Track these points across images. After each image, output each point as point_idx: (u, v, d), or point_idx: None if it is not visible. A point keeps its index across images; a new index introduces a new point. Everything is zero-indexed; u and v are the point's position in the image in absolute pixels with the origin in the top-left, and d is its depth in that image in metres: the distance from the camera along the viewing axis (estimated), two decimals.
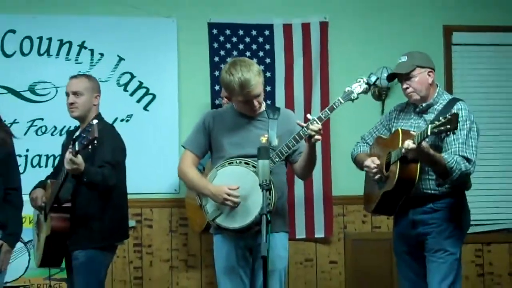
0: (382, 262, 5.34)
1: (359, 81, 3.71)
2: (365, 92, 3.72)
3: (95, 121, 3.54)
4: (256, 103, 3.66)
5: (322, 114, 3.61)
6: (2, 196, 3.65)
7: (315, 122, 3.54)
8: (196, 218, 4.87)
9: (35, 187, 4.12)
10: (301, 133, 3.58)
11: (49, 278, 4.68)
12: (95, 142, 3.51)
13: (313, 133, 3.50)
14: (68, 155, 3.61)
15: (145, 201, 5.29)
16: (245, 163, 3.59)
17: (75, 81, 4.09)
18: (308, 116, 3.63)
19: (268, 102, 5.09)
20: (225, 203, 3.58)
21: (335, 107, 3.63)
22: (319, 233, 5.42)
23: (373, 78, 3.73)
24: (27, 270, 5.03)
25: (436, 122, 3.40)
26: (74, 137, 3.79)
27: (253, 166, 3.54)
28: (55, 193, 3.86)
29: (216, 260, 3.77)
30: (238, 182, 3.57)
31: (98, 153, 3.84)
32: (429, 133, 3.42)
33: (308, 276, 5.49)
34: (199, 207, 4.71)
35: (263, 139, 3.47)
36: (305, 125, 3.56)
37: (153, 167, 5.27)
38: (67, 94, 4.09)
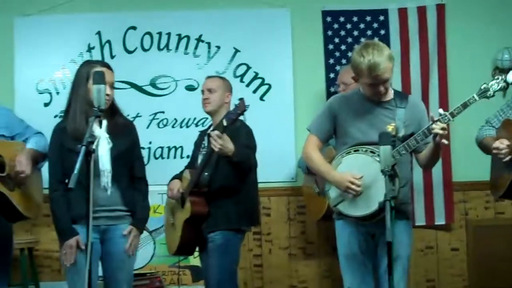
0: (507, 249, 5.19)
1: (497, 79, 3.54)
2: (502, 89, 3.56)
3: (242, 97, 3.82)
4: (382, 88, 3.58)
5: (454, 110, 3.47)
6: (128, 184, 3.79)
7: (446, 117, 3.42)
8: (312, 207, 4.90)
9: (172, 179, 4.37)
10: (430, 128, 3.47)
11: (178, 265, 4.83)
12: (244, 114, 3.78)
13: (437, 131, 3.40)
14: (215, 132, 3.88)
15: (263, 189, 5.32)
16: (371, 151, 3.53)
17: (210, 80, 4.45)
18: (440, 111, 3.50)
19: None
20: (347, 191, 3.56)
21: (468, 103, 3.46)
22: (440, 220, 5.33)
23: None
24: (152, 258, 5.23)
25: None
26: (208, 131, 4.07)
27: (379, 156, 3.44)
28: (194, 179, 4.12)
29: (338, 246, 3.76)
30: (362, 171, 3.53)
31: (236, 139, 4.04)
32: None
33: (429, 263, 5.41)
34: (316, 195, 4.76)
35: (390, 128, 3.43)
36: (435, 120, 3.44)
37: (270, 156, 5.26)
38: (202, 92, 4.39)
